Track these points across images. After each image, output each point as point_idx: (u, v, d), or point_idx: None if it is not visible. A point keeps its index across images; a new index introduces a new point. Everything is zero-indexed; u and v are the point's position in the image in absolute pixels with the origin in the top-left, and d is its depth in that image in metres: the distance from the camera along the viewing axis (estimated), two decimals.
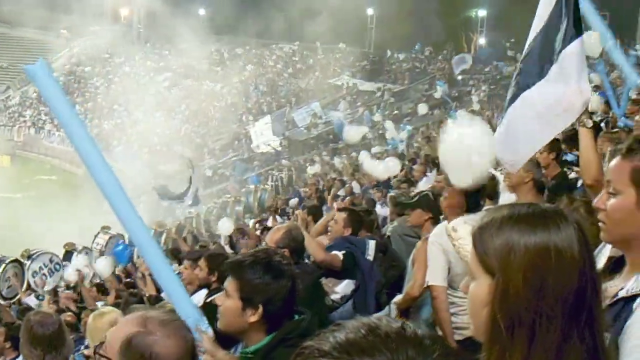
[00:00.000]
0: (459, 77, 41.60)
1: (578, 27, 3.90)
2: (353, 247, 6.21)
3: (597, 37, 6.22)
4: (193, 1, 53.46)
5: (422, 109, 31.79)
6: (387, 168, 12.53)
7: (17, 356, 5.60)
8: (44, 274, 12.32)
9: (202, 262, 6.61)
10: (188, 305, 3.15)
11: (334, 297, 6.17)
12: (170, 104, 48.65)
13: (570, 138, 7.18)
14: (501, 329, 1.66)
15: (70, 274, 11.75)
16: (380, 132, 31.24)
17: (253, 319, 2.93)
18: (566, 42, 3.86)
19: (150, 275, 8.30)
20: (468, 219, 4.54)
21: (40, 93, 3.37)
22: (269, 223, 14.45)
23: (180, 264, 9.24)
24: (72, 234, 18.09)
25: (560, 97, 3.84)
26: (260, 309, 2.93)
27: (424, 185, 11.53)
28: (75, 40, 57.85)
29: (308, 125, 40.71)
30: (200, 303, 5.37)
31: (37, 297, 11.90)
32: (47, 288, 11.99)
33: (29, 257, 12.89)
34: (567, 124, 4.08)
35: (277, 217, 15.16)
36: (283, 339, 2.89)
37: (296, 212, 12.31)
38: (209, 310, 3.29)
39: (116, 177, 3.30)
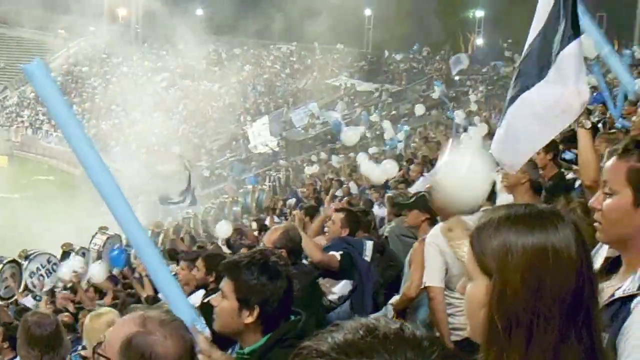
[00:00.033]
0: (457, 78, 41.64)
1: (576, 28, 3.90)
2: (350, 247, 6.21)
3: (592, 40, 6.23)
4: (191, 1, 53.44)
5: (419, 109, 31.77)
6: (385, 171, 12.51)
7: (15, 356, 5.60)
8: (41, 275, 12.32)
9: (199, 263, 6.62)
10: (184, 306, 3.15)
11: (332, 297, 6.17)
12: (168, 104, 48.63)
13: (569, 139, 7.18)
14: (499, 329, 1.66)
15: (64, 272, 11.72)
16: (378, 132, 31.25)
17: (249, 320, 2.92)
18: (564, 43, 3.86)
19: (147, 276, 8.29)
20: (464, 220, 4.55)
21: (37, 93, 3.37)
22: (267, 222, 14.47)
23: (178, 264, 9.23)
24: (70, 235, 18.03)
25: (558, 98, 3.84)
26: (257, 310, 2.91)
27: (420, 184, 11.54)
28: (73, 40, 57.81)
29: (305, 125, 40.72)
30: (198, 303, 5.37)
31: (34, 298, 11.88)
32: (45, 289, 11.99)
33: (27, 257, 12.88)
34: (566, 125, 4.09)
35: (275, 217, 15.16)
36: (279, 339, 2.88)
37: (293, 212, 12.32)
38: (206, 311, 3.29)
39: (113, 177, 3.30)
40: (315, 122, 40.51)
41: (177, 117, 47.25)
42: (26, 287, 12.49)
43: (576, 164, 6.30)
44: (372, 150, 23.51)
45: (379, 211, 11.31)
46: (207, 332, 3.20)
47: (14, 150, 51.47)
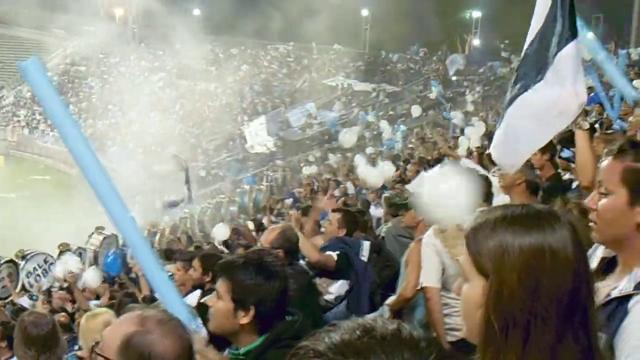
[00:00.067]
0: (454, 78, 41.70)
1: (573, 29, 3.90)
2: (347, 247, 6.21)
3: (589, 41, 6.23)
4: (188, 1, 53.42)
5: (416, 110, 31.76)
6: (382, 173, 12.49)
7: (12, 356, 5.59)
8: (38, 275, 12.31)
9: (196, 263, 6.61)
10: (179, 306, 3.15)
11: (328, 297, 6.17)
12: (165, 104, 48.58)
13: (566, 140, 7.19)
14: (495, 330, 1.66)
15: (59, 271, 11.68)
16: (375, 132, 31.27)
17: (245, 320, 2.91)
18: (562, 44, 3.87)
19: (144, 276, 8.27)
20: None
21: (33, 90, 3.36)
22: (264, 221, 14.47)
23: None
24: (68, 235, 18.04)
25: (556, 99, 3.85)
26: (252, 311, 2.90)
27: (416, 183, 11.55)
28: (70, 39, 57.74)
29: (303, 125, 40.73)
30: (194, 304, 5.36)
31: (30, 298, 11.87)
32: (42, 289, 11.98)
33: (23, 257, 12.88)
34: (564, 126, 4.09)
35: (272, 217, 15.15)
36: (275, 340, 2.87)
37: (290, 212, 12.31)
38: (202, 311, 3.28)
39: (109, 177, 3.29)
40: (313, 122, 40.53)
41: (173, 117, 47.20)
42: (23, 287, 12.49)
43: (574, 162, 6.32)
44: (369, 150, 23.52)
45: (376, 212, 11.32)
46: (204, 332, 3.19)
47: (10, 149, 51.41)
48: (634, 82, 11.69)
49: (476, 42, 49.53)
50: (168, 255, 11.78)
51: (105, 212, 3.26)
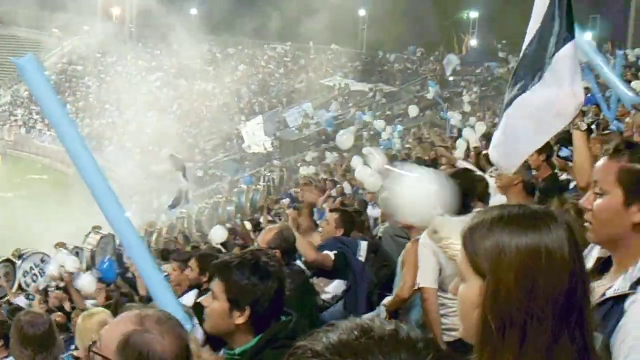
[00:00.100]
0: (450, 78, 41.71)
1: (571, 29, 3.90)
2: (345, 247, 6.21)
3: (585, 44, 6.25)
4: (185, 1, 53.37)
5: (413, 111, 31.76)
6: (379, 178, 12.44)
7: (8, 356, 5.59)
8: (34, 274, 12.28)
9: (192, 263, 6.62)
10: (174, 306, 3.14)
11: (325, 296, 6.18)
12: (162, 103, 48.54)
13: (564, 140, 7.19)
14: (492, 330, 1.66)
15: (52, 269, 11.64)
16: (372, 132, 31.27)
17: (240, 320, 2.89)
18: (559, 44, 3.87)
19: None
20: (452, 220, 4.56)
21: (28, 86, 3.36)
22: (261, 220, 14.46)
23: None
24: (65, 234, 18.01)
25: (554, 100, 3.85)
26: (248, 311, 2.89)
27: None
28: (67, 39, 57.68)
29: (299, 125, 40.72)
30: (191, 303, 5.36)
31: (26, 297, 11.85)
32: (40, 288, 11.94)
33: (20, 256, 12.86)
34: (562, 127, 4.09)
35: (269, 217, 15.14)
36: (270, 340, 2.86)
37: (287, 211, 12.29)
38: (199, 311, 3.28)
39: (105, 177, 3.30)
40: (309, 122, 40.52)
41: (171, 117, 47.16)
42: (20, 287, 12.47)
43: (572, 160, 6.32)
44: (367, 150, 23.45)
45: (373, 212, 11.31)
46: (200, 332, 3.19)
47: (7, 149, 51.32)
48: (632, 83, 11.71)
49: (473, 42, 49.54)
50: (165, 255, 11.77)
51: (101, 212, 3.27)
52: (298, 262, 5.73)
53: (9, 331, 4.88)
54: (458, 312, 1.83)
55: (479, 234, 1.73)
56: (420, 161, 13.98)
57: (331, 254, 5.95)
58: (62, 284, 11.10)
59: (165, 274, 8.05)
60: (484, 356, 1.68)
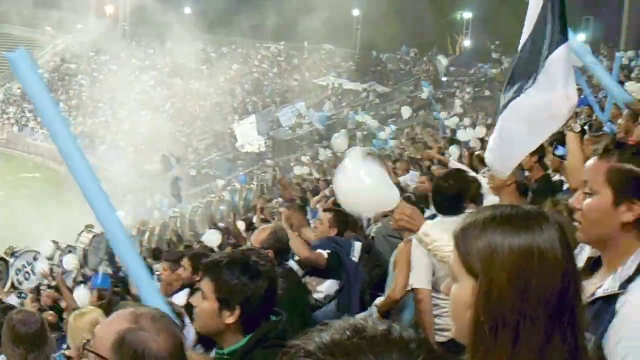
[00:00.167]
0: (444, 79, 41.77)
1: (564, 31, 3.91)
2: (338, 247, 6.21)
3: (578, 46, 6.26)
4: None
5: (406, 112, 31.73)
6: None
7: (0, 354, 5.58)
8: (27, 272, 12.24)
9: (185, 262, 6.61)
10: (162, 306, 3.13)
11: (317, 296, 6.18)
12: (156, 102, 48.47)
13: (558, 141, 7.21)
14: (485, 330, 1.66)
15: (41, 267, 11.60)
16: (365, 132, 31.27)
17: (230, 320, 2.88)
18: (553, 47, 3.87)
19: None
20: (443, 221, 4.57)
21: (19, 80, 3.36)
22: (254, 220, 14.44)
23: None
24: (58, 233, 17.99)
25: (547, 102, 3.86)
26: (238, 310, 2.87)
27: (409, 179, 11.57)
28: (60, 37, 57.53)
29: (293, 125, 40.71)
30: (182, 303, 5.36)
31: (18, 296, 11.82)
32: (32, 286, 11.91)
33: (12, 254, 12.82)
34: (555, 129, 4.10)
35: (262, 216, 15.11)
36: (260, 339, 2.85)
37: (280, 209, 12.28)
38: (191, 310, 3.27)
39: (95, 176, 3.30)
40: (303, 122, 40.52)
41: (164, 116, 47.10)
42: (12, 285, 12.43)
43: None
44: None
45: None
46: (192, 331, 3.19)
47: (0, 147, 51.19)
48: (626, 84, 11.73)
49: (467, 43, 49.59)
50: (156, 254, 11.76)
51: (91, 210, 3.27)
52: (292, 262, 5.73)
53: (1, 330, 4.87)
54: (450, 312, 1.84)
55: (472, 235, 1.73)
56: (413, 160, 14.01)
57: (324, 253, 5.94)
58: (53, 283, 11.07)
59: (157, 273, 8.05)
60: (477, 357, 1.68)
